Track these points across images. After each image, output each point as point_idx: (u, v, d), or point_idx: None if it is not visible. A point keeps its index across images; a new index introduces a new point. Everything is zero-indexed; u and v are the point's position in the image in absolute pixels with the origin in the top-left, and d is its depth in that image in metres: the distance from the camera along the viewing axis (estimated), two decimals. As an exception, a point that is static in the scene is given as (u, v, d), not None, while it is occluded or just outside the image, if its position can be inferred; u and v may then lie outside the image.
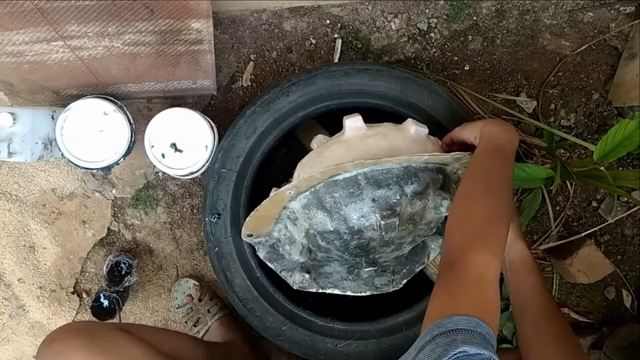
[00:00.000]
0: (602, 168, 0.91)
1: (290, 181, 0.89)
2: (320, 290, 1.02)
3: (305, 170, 0.90)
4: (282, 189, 0.86)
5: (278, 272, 1.03)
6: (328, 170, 0.82)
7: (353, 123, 0.87)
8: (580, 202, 1.38)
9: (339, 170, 0.83)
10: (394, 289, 1.03)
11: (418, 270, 1.04)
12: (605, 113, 1.35)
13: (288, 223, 0.95)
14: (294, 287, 1.02)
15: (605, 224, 1.26)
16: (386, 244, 0.90)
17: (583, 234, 0.96)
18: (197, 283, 1.36)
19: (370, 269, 0.95)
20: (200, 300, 1.34)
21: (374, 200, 0.84)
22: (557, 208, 1.37)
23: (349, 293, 1.03)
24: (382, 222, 0.83)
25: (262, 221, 0.96)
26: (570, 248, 1.32)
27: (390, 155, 0.83)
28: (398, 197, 0.84)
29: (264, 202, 0.89)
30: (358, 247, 0.89)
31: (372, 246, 0.90)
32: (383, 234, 0.85)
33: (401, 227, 0.87)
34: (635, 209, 1.28)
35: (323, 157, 0.88)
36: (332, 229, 0.88)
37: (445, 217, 1.04)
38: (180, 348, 1.02)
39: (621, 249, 1.38)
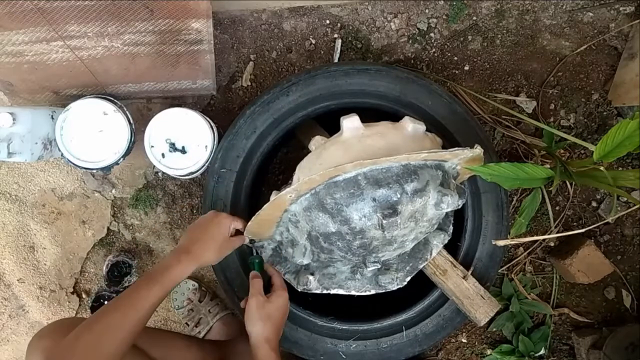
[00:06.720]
0: (601, 168, 0.90)
1: (290, 184, 0.89)
2: (325, 292, 1.02)
3: (305, 172, 0.90)
4: (283, 192, 0.86)
5: (282, 275, 1.03)
6: (327, 172, 0.82)
7: (350, 123, 0.87)
8: (580, 202, 1.38)
9: (339, 171, 0.83)
10: (398, 287, 1.03)
11: (422, 266, 1.04)
12: (605, 113, 1.35)
13: (290, 226, 0.95)
14: (298, 289, 1.02)
15: (604, 222, 1.26)
16: (389, 242, 0.90)
17: (582, 230, 0.95)
18: (195, 284, 1.36)
19: (373, 267, 0.95)
20: (200, 301, 1.34)
21: (374, 199, 0.84)
22: (557, 208, 1.37)
23: (353, 292, 1.03)
24: (384, 221, 0.83)
25: (263, 225, 0.96)
26: (570, 248, 1.32)
27: (389, 154, 0.82)
28: (399, 196, 0.84)
29: (265, 206, 0.89)
30: (361, 247, 0.89)
31: (375, 245, 0.90)
32: (385, 233, 0.85)
33: (403, 225, 0.86)
34: (635, 208, 1.28)
35: (322, 159, 0.87)
36: (334, 230, 0.88)
37: (447, 213, 1.04)
38: (171, 351, 1.02)
39: (621, 249, 1.38)
